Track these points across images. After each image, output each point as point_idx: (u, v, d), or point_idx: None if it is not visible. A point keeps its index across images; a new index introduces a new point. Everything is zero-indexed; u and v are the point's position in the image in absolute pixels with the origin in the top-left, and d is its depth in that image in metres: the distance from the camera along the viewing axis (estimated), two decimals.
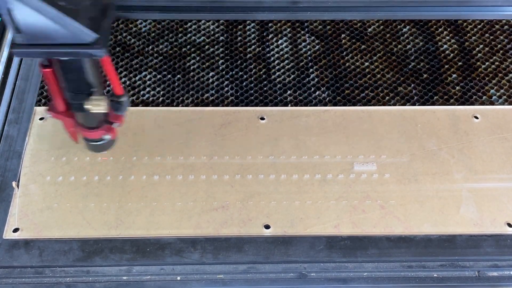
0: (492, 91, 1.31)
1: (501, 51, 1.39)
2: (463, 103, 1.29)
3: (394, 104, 1.28)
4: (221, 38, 1.40)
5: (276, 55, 1.37)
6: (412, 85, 1.32)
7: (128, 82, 1.31)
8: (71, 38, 0.80)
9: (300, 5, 0.96)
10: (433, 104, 1.29)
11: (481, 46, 1.40)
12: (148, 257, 1.05)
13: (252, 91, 1.30)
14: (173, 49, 1.38)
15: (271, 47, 1.39)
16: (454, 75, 1.34)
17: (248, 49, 1.38)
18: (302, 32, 1.42)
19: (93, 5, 0.82)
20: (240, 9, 0.95)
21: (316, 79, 1.33)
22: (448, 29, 1.43)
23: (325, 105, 1.28)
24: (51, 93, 0.98)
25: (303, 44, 1.39)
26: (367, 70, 1.35)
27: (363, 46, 1.39)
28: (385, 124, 1.24)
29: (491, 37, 1.42)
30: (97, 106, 0.94)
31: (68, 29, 0.79)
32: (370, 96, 1.30)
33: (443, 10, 0.98)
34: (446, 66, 1.36)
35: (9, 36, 1.35)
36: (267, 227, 1.09)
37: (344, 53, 1.38)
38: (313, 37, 1.41)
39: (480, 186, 1.15)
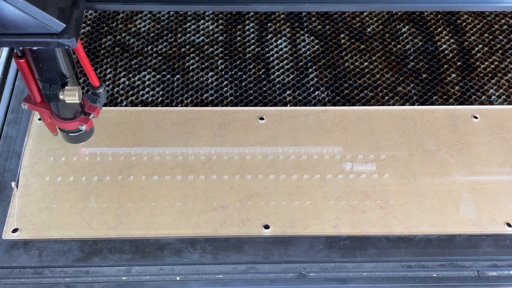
0: (491, 91, 1.31)
1: (500, 51, 1.39)
2: (462, 103, 1.29)
3: (393, 104, 1.28)
4: (220, 38, 1.40)
5: (275, 55, 1.37)
6: (411, 85, 1.32)
7: (127, 82, 1.31)
8: (39, 27, 0.80)
9: None
10: (432, 104, 1.29)
11: (480, 46, 1.40)
12: (147, 257, 1.05)
13: (251, 91, 1.30)
14: (172, 49, 1.38)
15: (270, 47, 1.39)
16: (453, 75, 1.34)
17: (247, 49, 1.38)
18: (301, 32, 1.42)
19: None
20: (239, 0, 0.95)
21: (315, 79, 1.33)
22: (447, 28, 1.43)
23: (324, 105, 1.28)
24: (26, 84, 0.98)
25: (302, 44, 1.39)
26: (366, 70, 1.35)
27: (362, 46, 1.39)
28: (384, 124, 1.24)
29: (490, 36, 1.42)
30: (71, 96, 0.94)
31: (36, 19, 0.79)
32: (369, 96, 1.30)
33: (441, 1, 0.98)
34: (445, 66, 1.36)
35: None
36: (266, 227, 1.09)
37: (343, 53, 1.38)
38: (312, 37, 1.41)
39: (479, 186, 1.15)
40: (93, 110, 1.03)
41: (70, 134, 1.07)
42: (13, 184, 1.12)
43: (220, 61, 1.36)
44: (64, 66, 0.93)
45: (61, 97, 0.94)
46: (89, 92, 1.02)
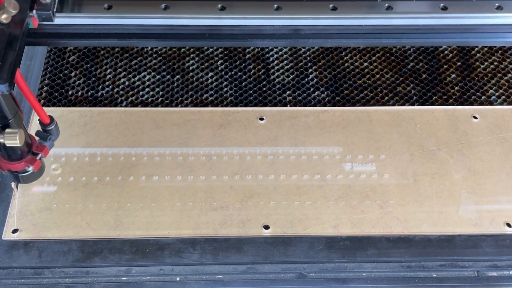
0: (491, 91, 1.31)
1: (500, 51, 1.39)
2: (462, 103, 1.29)
3: (393, 104, 1.28)
4: None
5: (275, 56, 1.37)
6: (411, 85, 1.32)
7: (127, 83, 1.31)
8: None
9: (302, 33, 0.96)
10: (432, 104, 1.29)
11: (480, 45, 1.40)
12: (147, 258, 1.05)
13: (251, 92, 1.30)
14: (172, 50, 1.38)
15: (270, 47, 1.39)
16: (453, 75, 1.34)
17: (247, 49, 1.38)
18: None
19: None
20: (240, 36, 0.96)
21: (315, 80, 1.33)
22: None
23: (324, 105, 1.28)
24: None
25: None
26: (366, 70, 1.35)
27: (362, 46, 1.39)
28: (384, 124, 1.24)
29: None
30: (11, 139, 0.88)
31: None
32: (369, 96, 1.30)
33: (450, 37, 0.98)
34: (445, 66, 1.36)
35: None
36: (266, 227, 1.09)
37: (343, 53, 1.38)
38: None
39: (479, 186, 1.15)
40: (41, 150, 0.98)
41: (19, 175, 1.00)
42: (13, 184, 1.12)
43: (220, 61, 1.36)
44: (4, 108, 0.87)
45: (1, 140, 0.88)
46: (40, 130, 0.96)
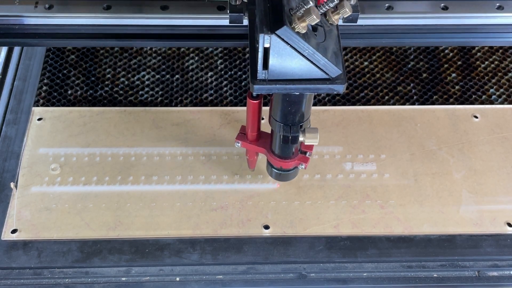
0: (491, 90, 1.31)
1: (500, 50, 1.39)
2: (462, 103, 1.29)
3: (394, 104, 1.28)
4: None
5: None
6: (412, 84, 1.32)
7: (126, 82, 1.30)
8: (315, 73, 0.78)
9: None
10: (432, 103, 1.28)
11: None
12: (147, 258, 1.05)
13: None
14: (172, 49, 1.37)
15: None
16: (453, 75, 1.34)
17: (247, 49, 1.38)
18: None
19: (332, 38, 0.80)
20: (237, 36, 0.95)
21: None
22: None
23: (324, 105, 1.28)
24: (249, 123, 0.99)
25: None
26: (366, 69, 1.35)
27: (362, 46, 1.39)
28: (385, 123, 1.24)
29: None
30: (313, 138, 0.93)
31: (317, 66, 0.77)
32: (370, 96, 1.29)
33: (450, 37, 0.98)
34: (446, 66, 1.36)
35: None
36: (266, 227, 1.09)
37: (343, 52, 1.38)
38: None
39: (480, 185, 1.15)
40: (309, 149, 1.02)
41: (278, 172, 1.05)
42: (12, 184, 1.12)
43: (219, 60, 1.36)
44: (308, 108, 0.91)
45: (301, 139, 0.93)
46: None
